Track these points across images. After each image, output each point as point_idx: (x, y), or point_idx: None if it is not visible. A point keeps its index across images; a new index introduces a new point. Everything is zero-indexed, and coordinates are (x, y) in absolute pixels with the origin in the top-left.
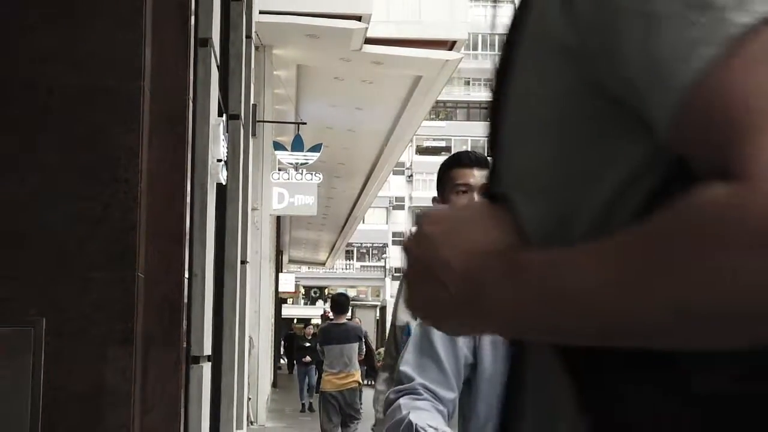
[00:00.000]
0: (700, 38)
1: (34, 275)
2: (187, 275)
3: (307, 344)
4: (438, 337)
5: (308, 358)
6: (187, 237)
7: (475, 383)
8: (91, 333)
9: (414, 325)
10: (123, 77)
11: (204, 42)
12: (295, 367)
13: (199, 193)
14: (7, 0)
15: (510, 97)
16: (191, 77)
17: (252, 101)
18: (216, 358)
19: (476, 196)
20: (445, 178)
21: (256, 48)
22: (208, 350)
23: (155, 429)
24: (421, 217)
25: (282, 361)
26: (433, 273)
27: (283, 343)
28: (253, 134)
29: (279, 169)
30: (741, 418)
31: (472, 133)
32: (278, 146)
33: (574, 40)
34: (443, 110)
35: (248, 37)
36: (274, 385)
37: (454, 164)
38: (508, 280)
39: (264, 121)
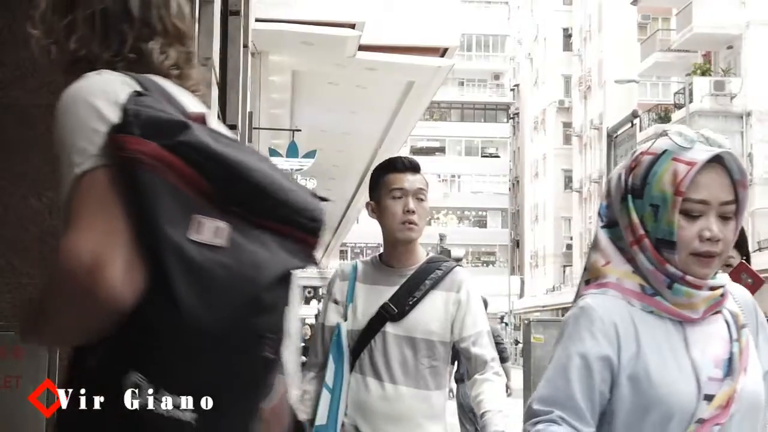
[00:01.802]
0: (69, 178)
1: None
2: None
3: (303, 344)
4: (575, 370)
5: (303, 359)
6: None
7: (608, 418)
8: None
9: (343, 325)
10: None
11: (204, 61)
12: None
13: None
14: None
15: None
16: None
17: (248, 109)
18: None
19: (410, 200)
20: (380, 183)
21: (252, 55)
22: None
23: None
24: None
25: None
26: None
27: None
28: (249, 141)
29: None
30: (105, 375)
31: (466, 134)
32: (273, 152)
33: None
34: (437, 110)
35: (245, 46)
36: None
37: (389, 169)
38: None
39: (260, 128)
